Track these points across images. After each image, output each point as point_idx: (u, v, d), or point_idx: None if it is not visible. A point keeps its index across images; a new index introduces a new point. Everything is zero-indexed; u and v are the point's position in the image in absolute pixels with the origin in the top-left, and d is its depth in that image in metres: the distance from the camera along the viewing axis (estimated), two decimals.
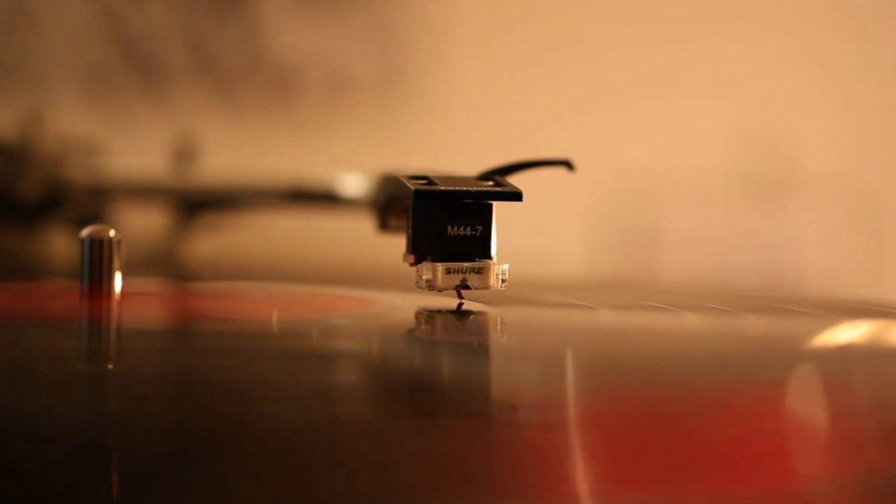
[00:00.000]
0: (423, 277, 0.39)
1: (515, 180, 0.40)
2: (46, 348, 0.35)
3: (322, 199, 0.62)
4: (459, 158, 0.53)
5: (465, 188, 0.39)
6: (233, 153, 0.81)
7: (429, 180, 0.39)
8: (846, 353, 0.37)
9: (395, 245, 0.41)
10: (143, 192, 0.67)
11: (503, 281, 0.39)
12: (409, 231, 0.39)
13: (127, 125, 1.16)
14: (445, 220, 0.38)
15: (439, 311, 0.40)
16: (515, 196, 0.39)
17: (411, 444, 0.25)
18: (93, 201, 0.66)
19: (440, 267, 0.38)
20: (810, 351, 0.37)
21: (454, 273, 0.38)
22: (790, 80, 1.19)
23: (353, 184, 0.60)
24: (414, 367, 0.34)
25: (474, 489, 0.23)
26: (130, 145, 0.78)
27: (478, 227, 0.39)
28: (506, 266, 0.39)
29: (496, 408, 0.29)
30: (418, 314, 0.41)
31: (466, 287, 0.39)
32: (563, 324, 0.41)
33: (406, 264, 0.39)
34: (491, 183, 0.40)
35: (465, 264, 0.39)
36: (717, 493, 0.23)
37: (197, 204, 0.66)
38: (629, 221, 1.15)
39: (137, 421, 0.26)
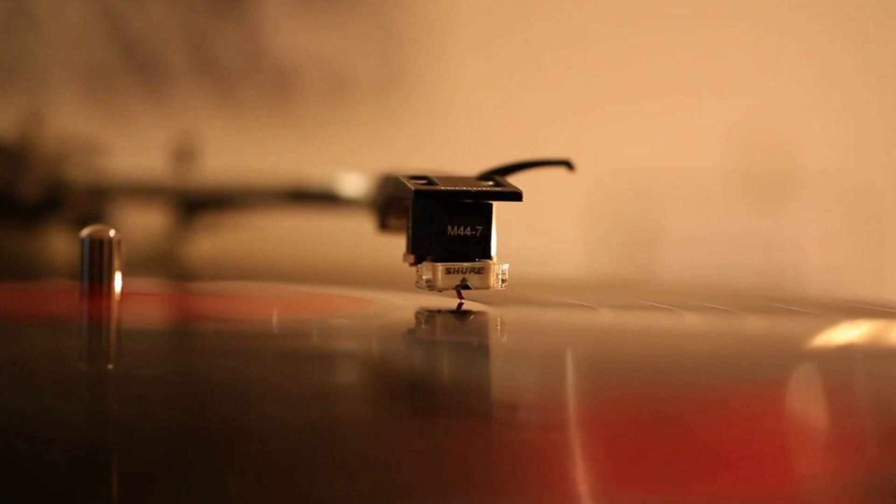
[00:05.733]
0: (423, 277, 0.39)
1: (515, 180, 0.40)
2: (46, 348, 0.35)
3: (322, 199, 0.62)
4: (459, 158, 0.53)
5: (465, 188, 0.39)
6: (233, 153, 0.81)
7: (429, 180, 0.39)
8: (846, 353, 0.37)
9: (395, 245, 0.41)
10: (143, 192, 0.67)
11: (503, 281, 0.39)
12: (409, 231, 0.39)
13: (127, 125, 1.16)
14: (445, 220, 0.38)
15: (439, 311, 0.40)
16: (515, 196, 0.39)
17: (411, 444, 0.25)
18: (93, 201, 0.66)
19: (440, 267, 0.38)
20: (810, 351, 0.37)
21: (454, 273, 0.38)
22: (790, 80, 1.19)
23: (353, 184, 0.60)
24: (414, 367, 0.34)
25: (474, 489, 0.23)
26: (130, 145, 0.78)
27: (478, 227, 0.39)
28: (506, 266, 0.39)
29: (496, 408, 0.29)
30: (418, 314, 0.41)
31: (466, 287, 0.39)
32: (563, 324, 0.41)
33: (406, 264, 0.39)
34: (491, 183, 0.40)
35: (465, 264, 0.39)
36: (717, 493, 0.23)
37: (197, 204, 0.66)
38: (629, 221, 1.15)
39: (137, 421, 0.26)
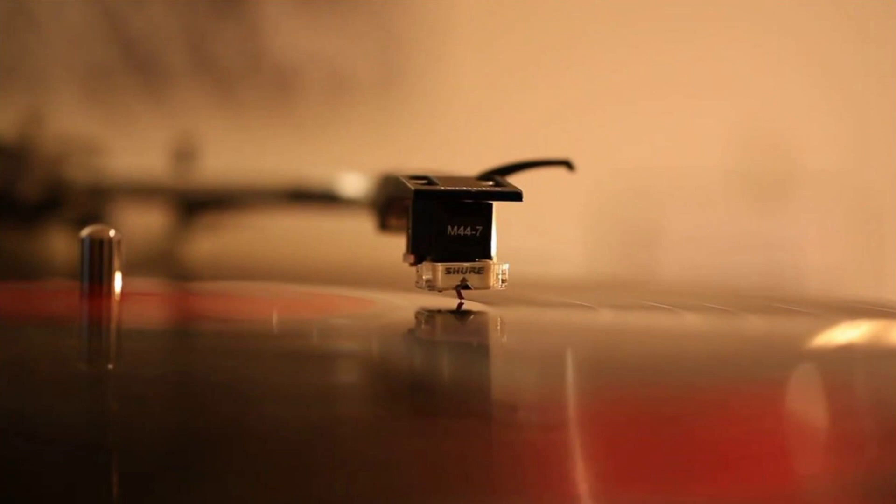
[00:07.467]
0: (423, 277, 0.39)
1: (515, 180, 0.40)
2: (46, 348, 0.35)
3: (322, 199, 0.62)
4: (459, 158, 0.53)
5: (465, 188, 0.39)
6: (233, 153, 0.81)
7: (429, 180, 0.39)
8: (846, 353, 0.37)
9: (395, 245, 0.41)
10: (143, 192, 0.67)
11: (503, 281, 0.39)
12: (409, 231, 0.39)
13: (127, 125, 1.16)
14: (445, 220, 0.38)
15: (439, 311, 0.40)
16: (515, 196, 0.39)
17: (411, 444, 0.25)
18: (93, 201, 0.66)
19: (440, 267, 0.38)
20: (810, 351, 0.37)
21: (454, 273, 0.38)
22: (790, 80, 1.19)
23: (353, 184, 0.60)
24: (414, 367, 0.34)
25: (474, 489, 0.23)
26: (130, 145, 0.78)
27: (478, 227, 0.39)
28: (506, 266, 0.39)
29: (496, 408, 0.29)
30: (418, 314, 0.41)
31: (466, 287, 0.39)
32: (563, 324, 0.41)
33: (406, 264, 0.39)
34: (491, 183, 0.40)
35: (465, 264, 0.39)
36: (717, 493, 0.23)
37: (197, 204, 0.66)
38: (629, 221, 1.15)
39: (137, 421, 0.26)
